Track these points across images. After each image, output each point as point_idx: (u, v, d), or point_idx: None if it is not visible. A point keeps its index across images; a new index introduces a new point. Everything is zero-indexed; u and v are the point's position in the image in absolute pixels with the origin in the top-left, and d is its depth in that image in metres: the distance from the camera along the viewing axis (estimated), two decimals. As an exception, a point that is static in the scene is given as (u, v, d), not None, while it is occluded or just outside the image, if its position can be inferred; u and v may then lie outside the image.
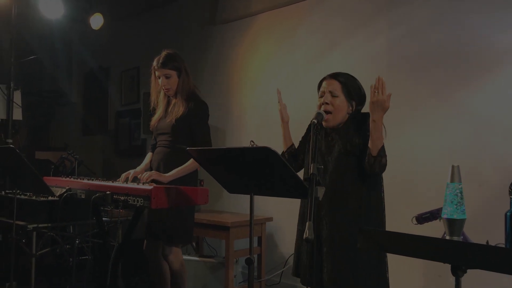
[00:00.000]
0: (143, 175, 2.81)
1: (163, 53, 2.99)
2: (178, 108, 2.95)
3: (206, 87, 4.84)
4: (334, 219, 2.26)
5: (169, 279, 3.06)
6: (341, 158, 2.29)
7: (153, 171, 2.86)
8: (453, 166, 1.57)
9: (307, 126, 2.56)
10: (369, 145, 2.17)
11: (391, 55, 3.48)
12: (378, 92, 2.10)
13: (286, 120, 2.58)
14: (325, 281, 2.22)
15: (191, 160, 2.85)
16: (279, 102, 2.57)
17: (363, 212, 2.25)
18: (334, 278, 2.21)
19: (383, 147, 2.17)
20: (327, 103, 2.31)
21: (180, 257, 3.02)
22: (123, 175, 2.89)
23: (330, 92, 2.32)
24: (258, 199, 2.14)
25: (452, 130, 3.13)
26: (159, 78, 2.99)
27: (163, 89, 3.01)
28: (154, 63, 2.99)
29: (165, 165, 2.95)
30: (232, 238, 3.56)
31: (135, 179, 2.89)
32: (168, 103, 3.07)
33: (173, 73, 2.96)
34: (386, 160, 2.19)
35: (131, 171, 2.94)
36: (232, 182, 2.21)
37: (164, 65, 2.95)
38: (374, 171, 2.19)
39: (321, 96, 2.36)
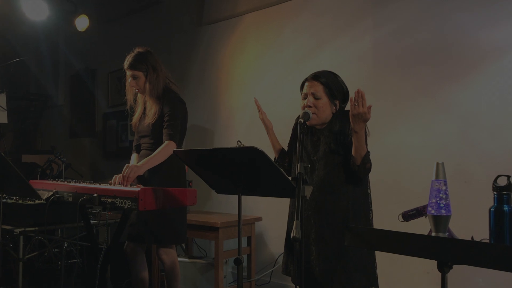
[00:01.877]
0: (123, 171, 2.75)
1: (133, 53, 2.98)
2: (151, 110, 2.96)
3: (193, 88, 4.84)
4: (322, 218, 2.27)
5: (147, 284, 3.06)
6: (327, 157, 2.30)
7: (130, 165, 2.79)
8: (437, 163, 1.59)
9: (292, 127, 2.57)
10: (352, 153, 2.18)
11: (377, 53, 3.50)
12: (358, 105, 2.06)
13: (270, 126, 2.58)
14: (317, 281, 2.24)
15: (161, 148, 2.85)
16: (259, 111, 2.58)
17: (351, 211, 2.27)
18: (326, 277, 2.23)
19: (366, 154, 2.17)
20: (310, 106, 2.31)
21: (173, 257, 3.03)
22: (116, 178, 2.80)
23: (313, 94, 2.32)
24: (247, 199, 2.15)
25: (438, 127, 3.16)
26: (129, 78, 3.00)
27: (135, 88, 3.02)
28: (124, 62, 2.99)
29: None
30: (222, 238, 3.56)
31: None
32: (145, 102, 3.07)
33: (140, 74, 2.95)
34: (371, 165, 2.21)
35: (130, 164, 2.88)
36: (220, 183, 2.21)
37: (130, 66, 2.95)
38: (359, 176, 2.23)
39: (304, 98, 2.37)
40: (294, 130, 2.53)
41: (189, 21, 5.01)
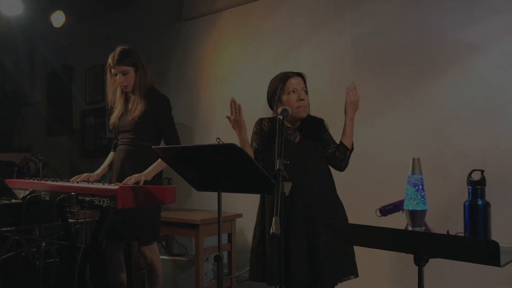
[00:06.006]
0: (126, 181, 2.70)
1: (118, 49, 2.94)
2: (137, 106, 2.91)
3: (173, 85, 4.81)
4: (312, 213, 2.33)
5: (125, 283, 3.06)
6: (311, 153, 2.40)
7: (135, 175, 2.74)
8: (413, 159, 1.61)
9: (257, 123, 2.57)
10: (343, 141, 2.36)
11: (356, 51, 3.53)
12: (352, 93, 2.35)
13: (245, 127, 2.36)
14: (308, 276, 2.28)
15: None
16: (237, 112, 2.31)
17: (336, 204, 2.40)
18: (307, 268, 2.27)
19: (352, 144, 2.39)
20: (302, 99, 2.40)
21: (156, 253, 3.03)
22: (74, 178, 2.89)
23: (303, 88, 2.44)
24: (227, 195, 2.15)
25: (416, 123, 3.20)
26: (116, 75, 2.95)
27: (121, 86, 2.97)
28: (109, 60, 2.94)
29: (129, 163, 2.93)
30: (202, 235, 3.55)
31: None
32: (126, 100, 3.02)
33: (130, 69, 2.92)
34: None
35: (84, 174, 2.94)
36: (199, 180, 2.20)
37: (120, 61, 2.90)
38: (341, 165, 2.32)
39: (293, 92, 2.40)
40: (259, 126, 2.52)
41: (167, 18, 4.97)
